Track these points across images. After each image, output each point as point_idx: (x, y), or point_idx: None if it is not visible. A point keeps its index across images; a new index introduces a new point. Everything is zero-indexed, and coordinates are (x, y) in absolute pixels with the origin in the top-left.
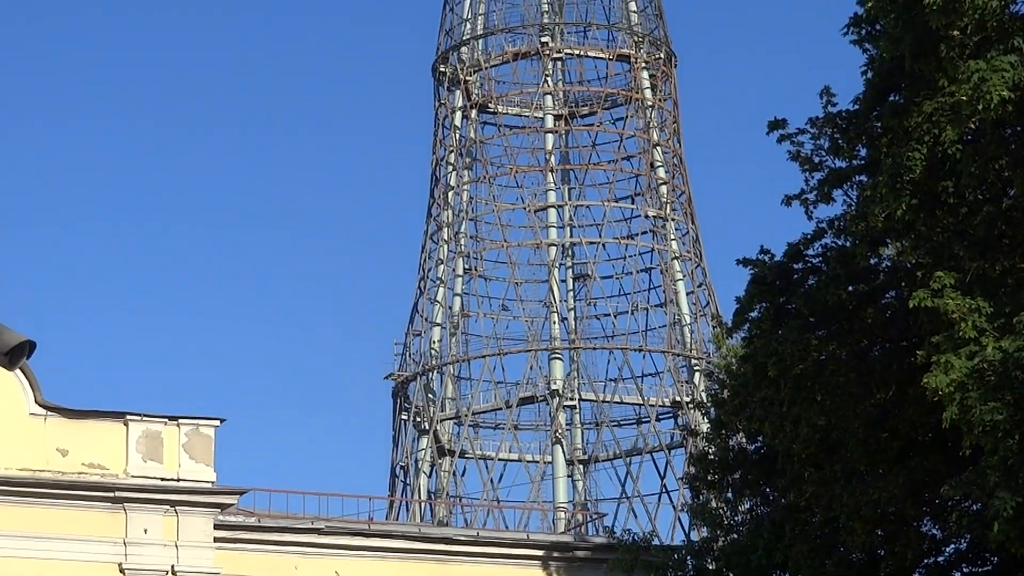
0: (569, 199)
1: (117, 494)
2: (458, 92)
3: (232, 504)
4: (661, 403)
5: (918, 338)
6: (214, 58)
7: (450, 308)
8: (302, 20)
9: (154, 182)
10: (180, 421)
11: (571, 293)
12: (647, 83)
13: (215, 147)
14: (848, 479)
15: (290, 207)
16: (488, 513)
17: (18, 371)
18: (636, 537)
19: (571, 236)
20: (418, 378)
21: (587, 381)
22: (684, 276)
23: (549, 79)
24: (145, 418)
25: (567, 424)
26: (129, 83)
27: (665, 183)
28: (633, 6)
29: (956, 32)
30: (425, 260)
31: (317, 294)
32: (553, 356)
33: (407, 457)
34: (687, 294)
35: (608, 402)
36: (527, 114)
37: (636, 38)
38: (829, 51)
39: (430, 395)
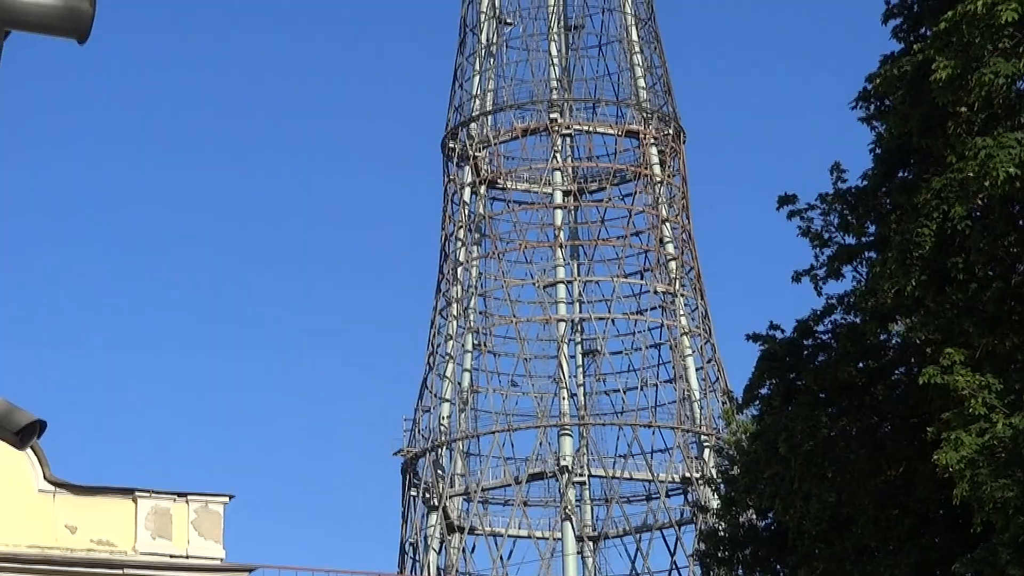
0: (578, 275)
1: (126, 571)
2: (467, 168)
3: None
4: (671, 479)
5: (928, 415)
6: (225, 143)
7: (459, 384)
8: (312, 96)
9: (162, 265)
10: (189, 498)
11: (580, 369)
12: (656, 159)
13: (223, 223)
14: (859, 556)
15: (299, 282)
16: None
17: (27, 449)
18: None
19: (580, 312)
20: (427, 454)
21: (597, 457)
22: (693, 352)
23: (558, 155)
24: (154, 495)
25: (577, 500)
26: (136, 180)
27: (674, 259)
28: (642, 82)
29: (963, 109)
30: (434, 336)
31: (326, 370)
32: (562, 432)
33: (416, 533)
34: (697, 370)
35: (618, 478)
36: (536, 190)
37: (645, 114)
38: (838, 126)
39: (439, 471)
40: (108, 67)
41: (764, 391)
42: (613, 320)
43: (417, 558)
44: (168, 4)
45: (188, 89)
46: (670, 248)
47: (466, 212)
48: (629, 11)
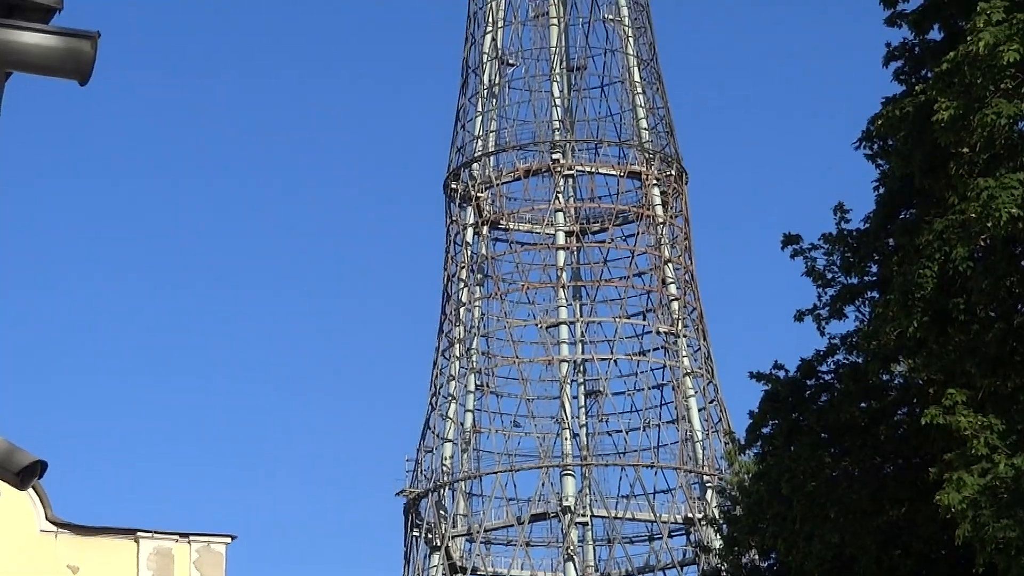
0: (581, 315)
1: None
2: (469, 209)
3: None
4: (673, 520)
5: (930, 455)
6: (229, 181)
7: (462, 424)
8: (314, 136)
9: (166, 303)
10: (191, 538)
11: (583, 409)
12: (658, 199)
13: (228, 261)
14: None
15: (302, 322)
16: None
17: (29, 489)
18: None
19: (583, 352)
20: (430, 494)
21: (599, 498)
22: (696, 392)
23: (560, 195)
24: (156, 535)
25: (579, 541)
26: (142, 214)
27: (676, 299)
28: (644, 123)
29: (965, 150)
30: (437, 376)
31: (329, 410)
32: (565, 472)
33: (419, 574)
34: (699, 410)
35: (620, 519)
36: (538, 230)
37: (647, 155)
38: (841, 166)
39: (442, 511)
40: (112, 106)
41: (767, 431)
42: (615, 361)
43: None
44: (172, 44)
45: (193, 128)
46: (672, 289)
47: (468, 253)
48: (631, 52)
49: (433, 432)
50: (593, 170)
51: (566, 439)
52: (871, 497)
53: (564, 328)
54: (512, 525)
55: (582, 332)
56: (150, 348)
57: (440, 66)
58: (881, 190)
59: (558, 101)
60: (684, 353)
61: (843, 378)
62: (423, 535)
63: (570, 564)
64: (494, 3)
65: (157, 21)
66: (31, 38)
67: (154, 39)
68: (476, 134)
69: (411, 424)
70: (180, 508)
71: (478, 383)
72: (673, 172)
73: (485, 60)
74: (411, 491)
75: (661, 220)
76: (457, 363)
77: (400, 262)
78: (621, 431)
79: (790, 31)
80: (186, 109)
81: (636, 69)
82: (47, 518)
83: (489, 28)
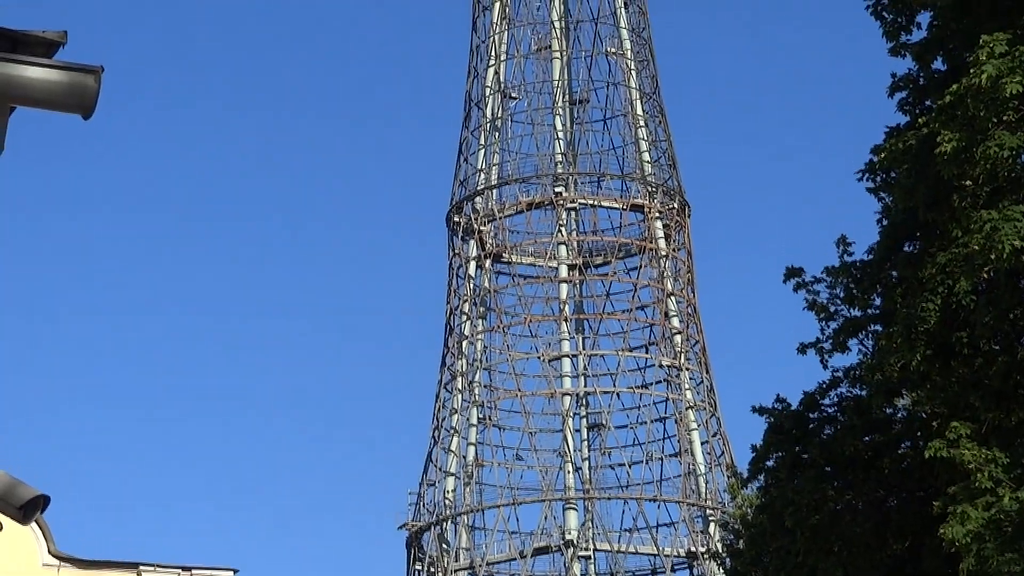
0: (583, 348)
1: None
2: (472, 242)
3: None
4: (676, 553)
5: (934, 488)
6: (232, 217)
7: (464, 457)
8: (318, 169)
9: (168, 338)
10: (193, 571)
11: (585, 443)
12: (661, 232)
13: (230, 296)
14: None
15: (304, 355)
16: None
17: (31, 523)
18: None
19: (585, 385)
20: (432, 528)
21: (602, 531)
22: (699, 425)
23: (563, 229)
24: (158, 568)
25: (582, 575)
26: (144, 250)
27: (679, 332)
28: (647, 156)
29: (968, 182)
30: (439, 409)
31: (331, 444)
32: (567, 506)
33: None
34: (702, 443)
35: (623, 552)
36: (541, 263)
37: (650, 188)
38: (844, 198)
39: (444, 545)
40: (116, 140)
41: (770, 464)
42: (618, 394)
43: None
44: (176, 77)
45: (197, 162)
46: (675, 322)
47: (471, 286)
48: (634, 85)
49: (435, 465)
50: (596, 203)
51: (569, 472)
52: (875, 530)
53: (567, 361)
54: (515, 559)
55: (584, 365)
56: (152, 381)
57: (443, 99)
58: (884, 222)
59: (561, 134)
60: (687, 386)
61: (846, 411)
62: (425, 569)
63: None
64: (497, 37)
65: (159, 56)
66: (35, 72)
67: (156, 74)
68: (479, 167)
69: (413, 457)
70: (182, 541)
71: (480, 416)
72: (676, 205)
73: (488, 93)
74: (413, 524)
75: (664, 253)
76: (459, 396)
77: (402, 295)
78: (624, 464)
79: (792, 64)
80: (188, 142)
81: (639, 102)
82: (50, 552)
83: (492, 62)
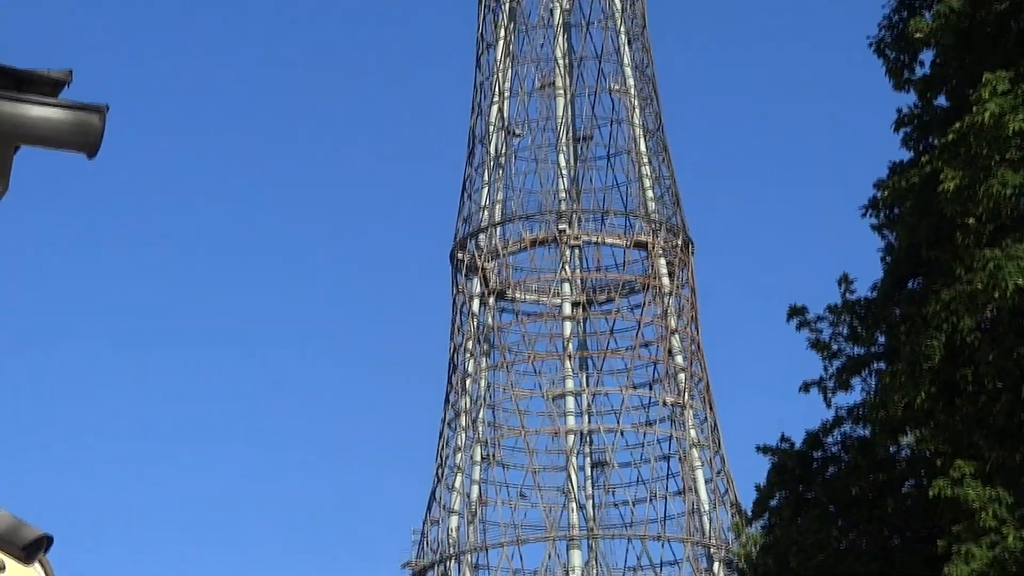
0: (587, 386)
1: None
2: (476, 279)
3: None
4: None
5: (939, 528)
6: (235, 253)
7: (468, 495)
8: (321, 207)
9: (171, 371)
10: None
11: (589, 481)
12: (664, 270)
13: (233, 330)
14: None
15: (308, 393)
16: None
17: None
18: None
19: (589, 423)
20: (436, 566)
21: (605, 570)
22: (703, 464)
23: (567, 266)
24: None
25: None
26: (148, 284)
27: (683, 370)
28: (650, 193)
29: (971, 220)
30: (443, 447)
31: (334, 481)
32: (571, 544)
33: None
34: (706, 482)
35: None
36: (545, 301)
37: (653, 225)
38: (847, 235)
39: None
40: (120, 173)
41: (774, 503)
42: (622, 431)
43: None
44: (178, 110)
45: (201, 196)
46: (679, 359)
47: (475, 323)
48: (637, 122)
49: (439, 503)
50: (599, 240)
51: (572, 510)
52: (879, 570)
53: (570, 399)
54: None
55: (588, 403)
56: (154, 418)
57: (447, 136)
58: (888, 260)
59: (564, 171)
60: (691, 424)
61: (850, 450)
62: None
63: None
64: (501, 74)
65: (163, 93)
66: (40, 111)
67: (160, 112)
68: (482, 204)
69: (417, 495)
70: None
71: (484, 454)
72: (679, 242)
73: (492, 130)
74: (417, 563)
75: (667, 290)
76: (463, 434)
77: (406, 333)
78: (628, 502)
79: (795, 100)
80: (192, 176)
81: (642, 139)
82: None
83: (496, 98)
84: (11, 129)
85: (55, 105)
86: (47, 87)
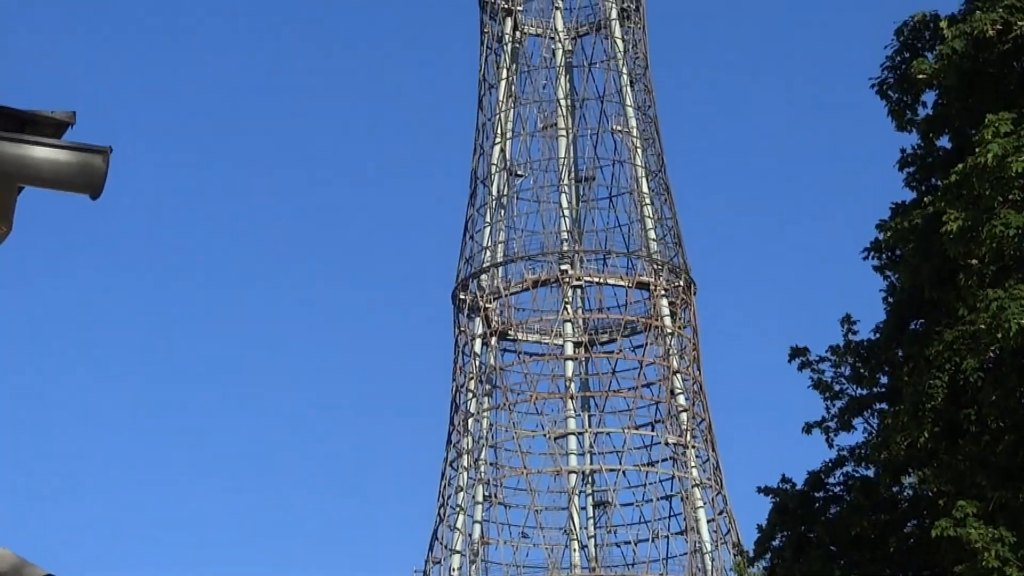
0: (589, 426)
1: None
2: (478, 319)
3: None
4: None
5: (941, 568)
6: (238, 294)
7: (470, 535)
8: (323, 247)
9: (173, 416)
10: None
11: (591, 520)
12: (666, 310)
13: (234, 373)
14: None
15: (311, 434)
16: None
17: None
18: None
19: (591, 463)
20: None
21: None
22: (705, 504)
23: (569, 306)
24: None
25: None
26: (152, 334)
27: (685, 410)
28: (652, 234)
29: (974, 261)
30: (445, 487)
31: (336, 520)
32: None
33: None
34: (708, 522)
35: None
36: (547, 341)
37: (655, 266)
38: (849, 276)
39: None
40: (124, 216)
41: (776, 544)
42: (624, 471)
43: None
44: (182, 157)
45: (204, 238)
46: (681, 399)
47: (477, 363)
48: (639, 163)
49: (441, 543)
50: (601, 281)
51: (575, 550)
52: None
53: (572, 439)
54: None
55: (590, 443)
56: (159, 454)
57: (449, 177)
58: (890, 301)
59: (566, 212)
60: (693, 464)
61: (852, 490)
62: None
63: None
64: (503, 114)
65: (165, 135)
66: (44, 153)
67: (163, 154)
68: (484, 244)
69: (419, 534)
70: None
71: (486, 494)
72: (681, 283)
73: (494, 171)
74: None
75: (669, 331)
76: (465, 474)
77: (408, 373)
78: (630, 542)
79: (798, 141)
80: (195, 219)
81: (644, 180)
82: None
83: (498, 139)
84: (15, 170)
85: (59, 147)
86: (51, 128)
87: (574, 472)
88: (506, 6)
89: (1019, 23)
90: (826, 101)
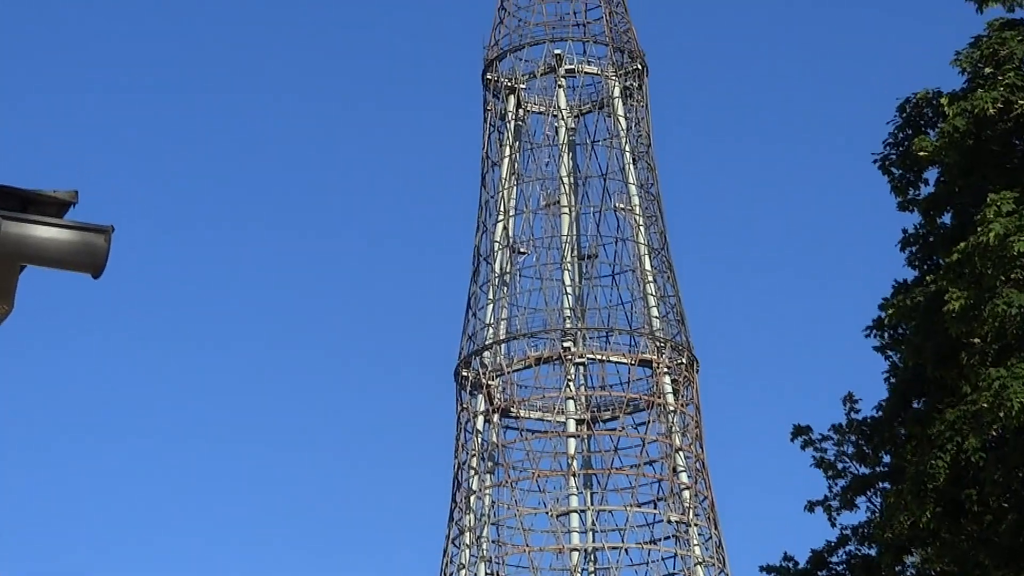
0: (591, 504)
1: None
2: (480, 396)
3: None
4: None
5: None
6: (241, 357)
7: None
8: (325, 323)
9: (176, 452)
10: None
11: None
12: (669, 388)
13: (235, 442)
14: None
15: (312, 508)
16: None
17: None
18: None
19: (593, 541)
20: None
21: None
22: None
23: (571, 384)
24: None
25: None
26: (155, 370)
27: (688, 488)
28: (655, 311)
29: (976, 340)
30: (447, 565)
31: None
32: None
33: None
34: None
35: None
36: (549, 418)
37: (658, 343)
38: (851, 355)
39: None
40: (127, 255)
41: None
42: (627, 549)
43: None
44: (180, 226)
45: (205, 307)
46: (684, 477)
47: (479, 440)
48: (642, 240)
49: None
50: (604, 358)
51: None
52: None
53: (575, 516)
54: None
55: (593, 520)
56: (164, 508)
57: (452, 254)
58: (892, 380)
59: (569, 289)
60: (695, 542)
61: (855, 569)
62: None
63: None
64: (506, 192)
65: (167, 215)
66: (46, 232)
67: (165, 231)
68: (487, 321)
69: None
70: None
71: (488, 572)
72: (684, 360)
73: (497, 248)
74: None
75: (672, 408)
76: (467, 552)
77: (410, 450)
78: None
79: (800, 220)
80: (197, 289)
81: (647, 258)
82: None
83: (501, 217)
84: (16, 250)
85: (61, 226)
86: (53, 208)
87: (576, 550)
88: (509, 84)
89: (1020, 102)
90: (829, 178)
